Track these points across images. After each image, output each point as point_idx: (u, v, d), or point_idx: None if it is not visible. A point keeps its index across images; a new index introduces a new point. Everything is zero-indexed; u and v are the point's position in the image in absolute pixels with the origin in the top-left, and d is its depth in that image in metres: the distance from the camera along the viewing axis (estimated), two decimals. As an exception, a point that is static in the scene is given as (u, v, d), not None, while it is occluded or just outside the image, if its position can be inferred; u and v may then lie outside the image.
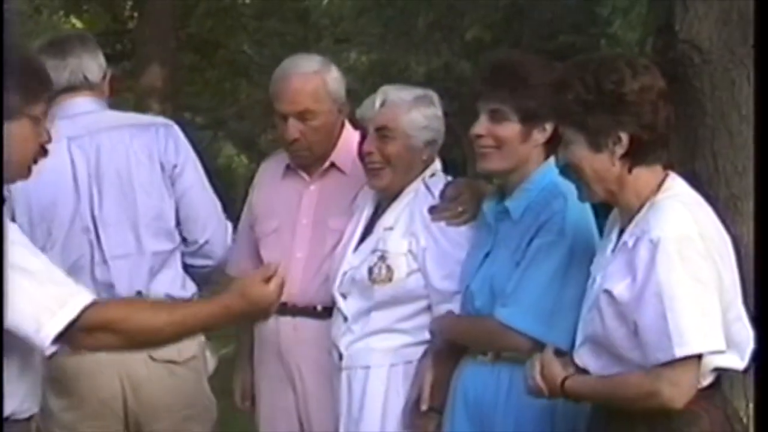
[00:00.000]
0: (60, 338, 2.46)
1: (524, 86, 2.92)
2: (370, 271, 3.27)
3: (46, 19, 18.03)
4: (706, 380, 2.59)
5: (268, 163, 3.84)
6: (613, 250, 2.65)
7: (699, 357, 2.50)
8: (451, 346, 3.15)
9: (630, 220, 2.63)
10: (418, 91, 3.35)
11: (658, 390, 2.49)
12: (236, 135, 24.58)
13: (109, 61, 3.77)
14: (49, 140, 2.65)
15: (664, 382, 2.48)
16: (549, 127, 2.93)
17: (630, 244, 2.57)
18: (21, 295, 2.43)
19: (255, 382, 3.74)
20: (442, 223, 3.23)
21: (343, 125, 3.65)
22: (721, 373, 2.63)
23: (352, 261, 3.35)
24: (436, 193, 3.29)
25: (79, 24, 16.72)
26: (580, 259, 2.86)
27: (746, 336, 2.64)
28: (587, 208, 2.94)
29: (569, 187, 2.91)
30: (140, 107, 12.14)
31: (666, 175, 2.64)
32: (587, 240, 2.93)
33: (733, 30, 3.61)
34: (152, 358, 3.51)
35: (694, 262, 2.49)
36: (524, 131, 2.96)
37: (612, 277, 2.59)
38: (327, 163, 3.63)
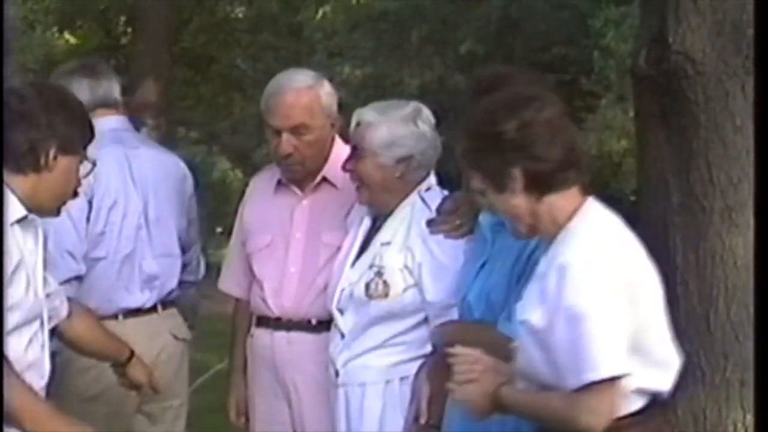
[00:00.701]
0: None
1: None
2: (367, 286, 3.27)
3: (40, 35, 18.04)
4: (635, 404, 2.54)
5: (258, 179, 3.84)
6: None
7: (615, 380, 2.44)
8: (447, 358, 3.13)
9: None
10: (402, 110, 3.35)
11: (575, 417, 2.44)
12: (230, 149, 24.60)
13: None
14: (80, 184, 2.87)
15: (580, 409, 2.43)
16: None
17: (542, 271, 2.56)
18: None
19: (249, 397, 3.72)
20: (440, 236, 3.23)
21: (333, 140, 3.65)
22: (656, 396, 2.59)
23: (350, 277, 3.35)
24: (433, 206, 3.29)
25: (72, 40, 16.73)
26: None
27: (671, 356, 2.61)
28: None
29: None
30: (134, 122, 12.15)
31: (584, 201, 2.63)
32: None
33: (726, 41, 3.60)
34: (175, 337, 3.92)
35: (601, 286, 2.47)
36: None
37: (527, 306, 2.56)
38: (319, 178, 3.62)
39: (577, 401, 2.44)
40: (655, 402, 2.59)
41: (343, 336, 3.32)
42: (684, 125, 3.68)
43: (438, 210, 3.28)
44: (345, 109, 3.66)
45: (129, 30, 15.00)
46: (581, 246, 2.52)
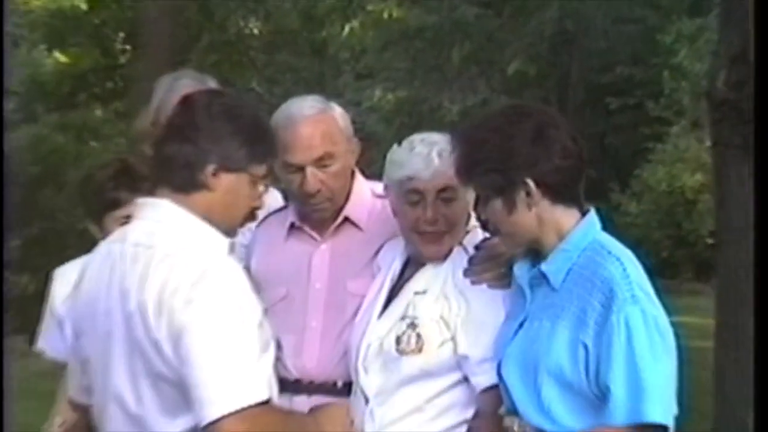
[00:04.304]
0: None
1: (478, 165, 2.97)
2: (398, 340, 3.25)
3: (26, 53, 18.25)
4: None
5: (264, 226, 3.75)
6: None
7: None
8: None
9: None
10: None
11: None
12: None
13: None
14: (260, 206, 2.95)
15: None
16: (530, 182, 2.92)
17: None
18: (215, 357, 2.64)
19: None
20: (483, 286, 3.22)
21: (353, 173, 3.65)
22: None
23: (378, 330, 3.33)
24: (472, 251, 3.29)
25: (63, 59, 16.90)
26: (656, 323, 2.83)
27: None
28: (640, 268, 2.92)
29: (617, 247, 2.92)
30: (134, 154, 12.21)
31: None
32: (652, 302, 2.90)
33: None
34: None
35: None
36: (506, 202, 2.96)
37: None
38: (340, 218, 3.61)
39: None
40: None
41: (367, 401, 3.30)
42: (771, 157, 3.67)
43: (477, 255, 3.28)
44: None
45: (128, 48, 15.16)
46: None
